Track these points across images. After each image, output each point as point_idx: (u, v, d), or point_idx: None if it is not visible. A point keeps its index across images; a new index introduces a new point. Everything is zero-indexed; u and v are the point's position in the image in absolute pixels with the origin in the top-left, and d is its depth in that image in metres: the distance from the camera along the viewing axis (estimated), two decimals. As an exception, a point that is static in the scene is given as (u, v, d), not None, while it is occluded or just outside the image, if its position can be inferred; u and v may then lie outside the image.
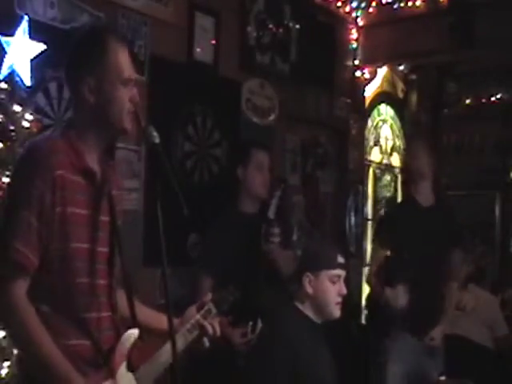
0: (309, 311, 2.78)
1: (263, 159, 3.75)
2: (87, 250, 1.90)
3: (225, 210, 3.77)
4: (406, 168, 4.11)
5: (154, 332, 2.09)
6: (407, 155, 4.14)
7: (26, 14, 3.11)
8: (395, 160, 7.03)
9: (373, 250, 4.31)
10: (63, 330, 1.84)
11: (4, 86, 2.83)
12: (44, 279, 1.84)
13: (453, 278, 4.04)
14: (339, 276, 2.78)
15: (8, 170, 2.77)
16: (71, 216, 1.86)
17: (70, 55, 2.00)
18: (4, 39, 2.90)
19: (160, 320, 2.09)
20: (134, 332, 2.01)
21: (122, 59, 1.96)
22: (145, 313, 2.09)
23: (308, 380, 2.65)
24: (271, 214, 3.51)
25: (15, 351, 2.68)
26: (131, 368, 2.01)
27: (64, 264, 1.86)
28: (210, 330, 2.09)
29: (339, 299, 2.77)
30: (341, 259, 2.81)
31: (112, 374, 1.91)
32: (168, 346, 1.96)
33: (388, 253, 4.02)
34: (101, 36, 2.00)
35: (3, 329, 2.63)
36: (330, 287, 2.75)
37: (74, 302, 1.88)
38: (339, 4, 5.67)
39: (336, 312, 2.77)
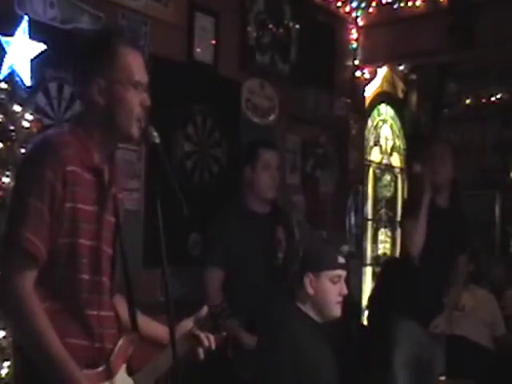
0: (310, 311, 2.78)
1: (271, 159, 3.74)
2: (93, 247, 1.90)
3: (234, 206, 3.78)
4: (430, 172, 3.99)
5: (147, 339, 2.08)
6: (433, 160, 4.03)
7: (26, 14, 3.11)
8: (395, 160, 7.03)
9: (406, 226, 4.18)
10: (64, 328, 1.83)
11: (4, 85, 2.84)
12: (48, 273, 1.83)
13: (457, 280, 4.16)
14: (340, 276, 2.78)
15: (8, 170, 2.77)
16: (80, 212, 1.86)
17: (79, 57, 1.99)
18: (4, 39, 2.90)
19: (155, 329, 2.10)
20: (134, 335, 2.00)
21: (133, 62, 1.94)
22: (141, 320, 2.08)
23: (310, 379, 2.65)
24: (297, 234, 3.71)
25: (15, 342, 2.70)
26: (130, 371, 2.01)
27: (70, 259, 1.85)
28: (206, 343, 2.08)
29: (340, 299, 2.78)
30: (341, 259, 2.81)
31: (111, 375, 1.91)
32: (167, 350, 1.95)
33: None
34: (112, 38, 1.97)
35: (3, 328, 2.64)
36: (331, 287, 2.75)
37: (78, 298, 1.87)
38: (339, 4, 5.67)
39: (337, 312, 2.78)
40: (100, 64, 1.91)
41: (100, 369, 1.88)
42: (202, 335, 2.08)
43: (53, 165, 1.81)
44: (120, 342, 1.97)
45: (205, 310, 2.15)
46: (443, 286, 4.07)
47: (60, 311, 1.84)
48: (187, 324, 2.12)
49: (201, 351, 2.08)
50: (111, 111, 1.91)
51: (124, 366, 1.98)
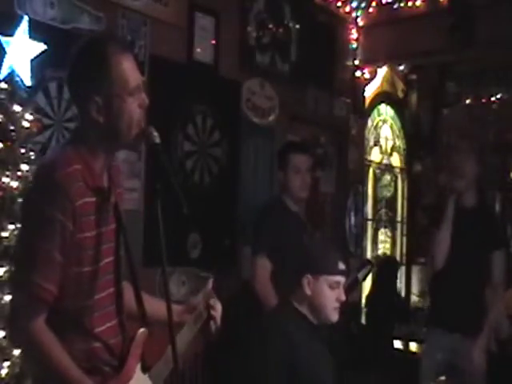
0: (306, 312, 2.77)
1: (300, 163, 3.91)
2: (89, 272, 1.87)
3: (275, 203, 3.98)
4: (450, 168, 3.89)
5: (163, 323, 2.03)
6: (453, 155, 3.93)
7: (26, 14, 3.11)
8: (395, 160, 7.03)
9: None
10: (72, 337, 1.85)
11: (4, 85, 2.84)
12: (59, 302, 1.82)
13: (495, 281, 3.92)
14: (339, 282, 2.77)
15: (8, 170, 2.77)
16: (85, 240, 1.84)
17: (72, 73, 1.91)
18: (4, 39, 2.90)
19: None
20: (143, 332, 2.00)
21: (127, 69, 1.87)
22: (153, 305, 2.07)
23: (306, 378, 2.64)
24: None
25: (16, 352, 2.70)
26: (144, 367, 2.01)
27: (77, 286, 1.84)
28: (216, 314, 2.12)
29: (337, 305, 2.75)
30: (342, 266, 2.78)
31: (128, 377, 1.92)
32: (178, 341, 1.95)
33: None
34: (101, 49, 1.88)
35: (3, 328, 2.64)
36: (329, 292, 2.73)
37: (84, 319, 1.87)
38: (339, 4, 5.68)
39: (333, 316, 2.75)
40: (94, 80, 1.85)
41: (117, 371, 1.90)
42: (213, 311, 2.12)
43: (62, 204, 1.77)
44: (133, 343, 1.96)
45: (210, 282, 2.17)
46: (475, 287, 3.87)
47: (70, 330, 1.85)
48: (195, 301, 2.15)
49: (212, 326, 2.12)
50: (112, 125, 1.86)
51: (139, 365, 1.98)
